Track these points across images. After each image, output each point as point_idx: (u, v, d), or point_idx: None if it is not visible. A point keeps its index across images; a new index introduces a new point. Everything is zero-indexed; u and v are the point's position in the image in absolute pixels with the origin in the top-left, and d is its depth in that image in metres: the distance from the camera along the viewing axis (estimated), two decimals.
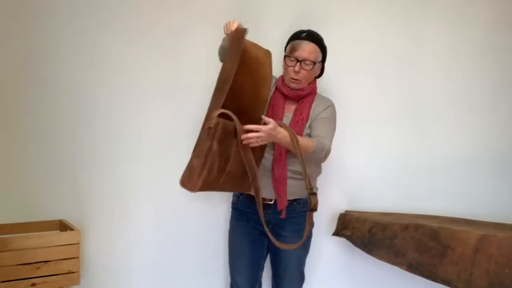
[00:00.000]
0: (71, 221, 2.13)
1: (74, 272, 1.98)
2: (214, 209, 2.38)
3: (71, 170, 2.19)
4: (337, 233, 2.32)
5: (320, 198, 2.19)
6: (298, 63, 1.94)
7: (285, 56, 2.00)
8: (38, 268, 1.90)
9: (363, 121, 2.42)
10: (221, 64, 1.85)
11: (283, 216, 1.98)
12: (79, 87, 2.18)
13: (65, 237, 1.97)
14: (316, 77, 2.07)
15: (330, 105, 2.05)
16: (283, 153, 1.94)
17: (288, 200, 1.98)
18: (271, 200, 2.00)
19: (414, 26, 2.42)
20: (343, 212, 2.39)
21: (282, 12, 2.35)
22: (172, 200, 2.30)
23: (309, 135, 1.98)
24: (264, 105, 1.91)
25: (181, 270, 2.39)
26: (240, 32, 1.76)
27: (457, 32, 2.42)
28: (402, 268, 2.02)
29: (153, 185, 2.31)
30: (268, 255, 2.17)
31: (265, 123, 1.72)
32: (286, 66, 1.99)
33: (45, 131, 2.14)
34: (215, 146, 1.67)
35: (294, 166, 1.95)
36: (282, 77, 2.05)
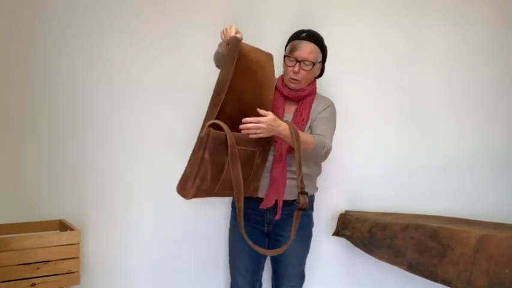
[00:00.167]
0: (71, 221, 2.13)
1: (74, 272, 1.98)
2: (214, 209, 2.38)
3: (71, 170, 2.19)
4: (337, 233, 2.32)
5: (320, 198, 2.21)
6: (298, 64, 1.93)
7: (284, 56, 1.99)
8: (38, 268, 1.91)
9: (363, 121, 2.42)
10: (218, 67, 1.86)
11: (278, 217, 1.96)
12: (79, 87, 2.19)
13: (65, 237, 1.97)
14: (316, 77, 2.07)
15: (330, 105, 2.05)
16: (284, 153, 1.94)
17: (288, 200, 1.98)
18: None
19: (414, 26, 2.42)
20: (343, 212, 2.39)
21: (282, 12, 2.35)
22: (172, 200, 2.28)
23: None
24: (267, 109, 1.91)
25: (181, 270, 2.39)
26: (234, 42, 1.76)
27: (457, 32, 2.42)
28: (402, 268, 2.01)
29: (153, 185, 2.31)
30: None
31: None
32: (285, 67, 1.99)
33: (45, 131, 2.14)
34: (207, 155, 1.69)
35: (294, 167, 1.95)
36: (282, 78, 2.05)
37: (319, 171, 2.12)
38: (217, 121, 1.71)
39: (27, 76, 2.10)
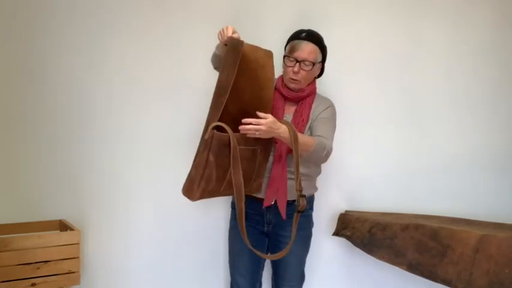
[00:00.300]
0: (71, 221, 2.13)
1: (74, 272, 1.98)
2: (214, 209, 2.38)
3: (70, 170, 2.19)
4: (337, 233, 2.32)
5: (320, 198, 2.21)
6: (298, 64, 1.93)
7: (284, 56, 1.99)
8: (38, 268, 1.90)
9: (363, 121, 2.42)
10: (216, 69, 1.86)
11: (283, 217, 1.97)
12: (79, 87, 2.19)
13: (65, 237, 1.97)
14: (316, 77, 2.07)
15: (330, 106, 2.05)
16: (284, 154, 1.94)
17: (289, 201, 1.98)
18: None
19: (414, 26, 2.42)
20: (343, 212, 2.39)
21: (282, 12, 2.35)
22: (172, 200, 2.30)
23: None
24: (267, 108, 1.91)
25: (181, 270, 2.39)
26: (237, 45, 1.75)
27: (457, 32, 2.42)
28: (402, 268, 2.02)
29: (153, 185, 2.31)
30: None
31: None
32: (285, 67, 1.99)
33: (45, 131, 2.14)
34: (211, 157, 1.70)
35: (294, 167, 1.95)
36: (282, 78, 2.05)
37: (318, 172, 2.12)
38: (220, 123, 1.71)
39: (27, 76, 2.10)
